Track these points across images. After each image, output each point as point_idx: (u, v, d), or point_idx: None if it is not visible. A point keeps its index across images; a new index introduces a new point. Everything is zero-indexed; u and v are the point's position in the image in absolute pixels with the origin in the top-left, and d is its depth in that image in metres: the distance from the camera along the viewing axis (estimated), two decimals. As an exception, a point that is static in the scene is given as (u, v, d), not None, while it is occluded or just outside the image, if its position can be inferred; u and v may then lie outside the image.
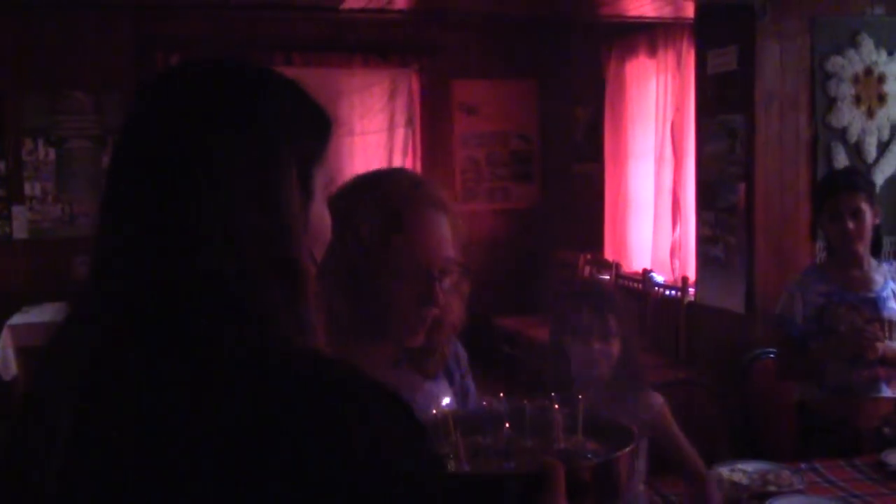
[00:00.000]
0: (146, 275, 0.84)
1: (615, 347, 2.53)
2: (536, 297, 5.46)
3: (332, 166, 0.99)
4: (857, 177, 3.21)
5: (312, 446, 0.77)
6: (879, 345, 3.00)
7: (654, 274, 5.60)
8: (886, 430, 3.07)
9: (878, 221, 3.18)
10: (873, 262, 3.21)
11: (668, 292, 5.37)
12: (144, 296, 0.84)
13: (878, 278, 3.18)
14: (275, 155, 0.89)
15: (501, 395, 1.59)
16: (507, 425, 1.44)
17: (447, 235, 1.66)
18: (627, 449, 1.39)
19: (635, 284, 5.69)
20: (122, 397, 0.81)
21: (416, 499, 0.81)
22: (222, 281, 0.83)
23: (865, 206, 3.10)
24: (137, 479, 0.78)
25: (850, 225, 3.09)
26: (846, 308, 3.13)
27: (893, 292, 3.15)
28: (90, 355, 0.85)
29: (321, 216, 0.97)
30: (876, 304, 3.12)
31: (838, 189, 3.15)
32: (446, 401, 1.54)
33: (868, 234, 3.12)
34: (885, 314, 3.11)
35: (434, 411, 1.50)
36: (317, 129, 0.97)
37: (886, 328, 3.11)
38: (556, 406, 1.48)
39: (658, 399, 2.59)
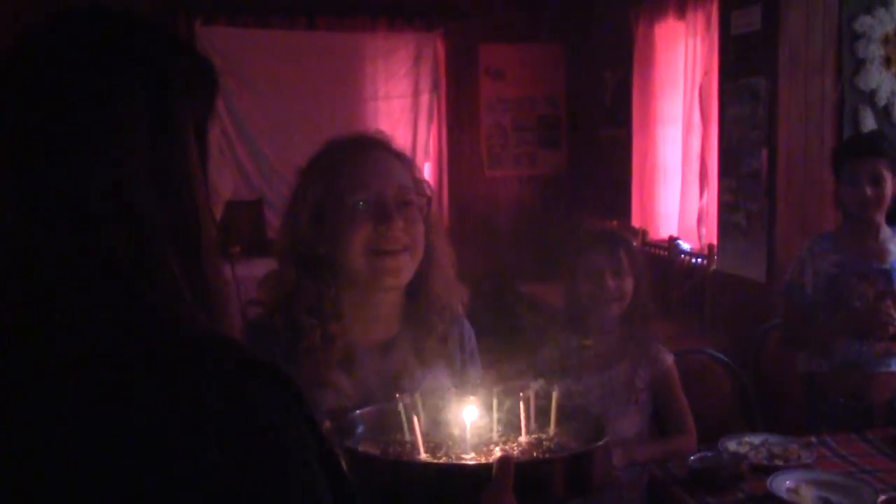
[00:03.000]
0: (30, 250, 0.78)
1: (628, 284, 2.57)
2: (562, 264, 5.39)
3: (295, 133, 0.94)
4: (881, 140, 3.09)
5: (166, 422, 0.74)
6: (892, 328, 2.91)
7: (680, 241, 5.50)
8: (900, 403, 2.99)
9: (897, 189, 3.06)
10: (889, 231, 3.09)
11: (694, 260, 5.28)
12: (28, 272, 0.78)
13: (893, 249, 3.06)
14: (174, 112, 0.83)
15: (477, 383, 1.56)
16: (477, 416, 1.39)
17: (398, 167, 1.62)
18: (598, 444, 1.32)
19: (662, 252, 5.60)
20: None
21: (269, 486, 0.76)
22: (116, 253, 0.78)
23: (887, 173, 2.98)
24: (6, 459, 0.75)
25: (869, 191, 2.98)
26: (858, 279, 3.03)
27: (908, 264, 3.05)
28: None
29: (217, 172, 0.91)
30: (889, 276, 3.02)
31: (859, 152, 3.03)
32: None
33: (887, 201, 3.01)
34: (898, 287, 3.01)
35: (397, 395, 1.45)
36: (209, 83, 0.90)
37: None
38: (532, 396, 1.43)
39: (669, 358, 2.61)
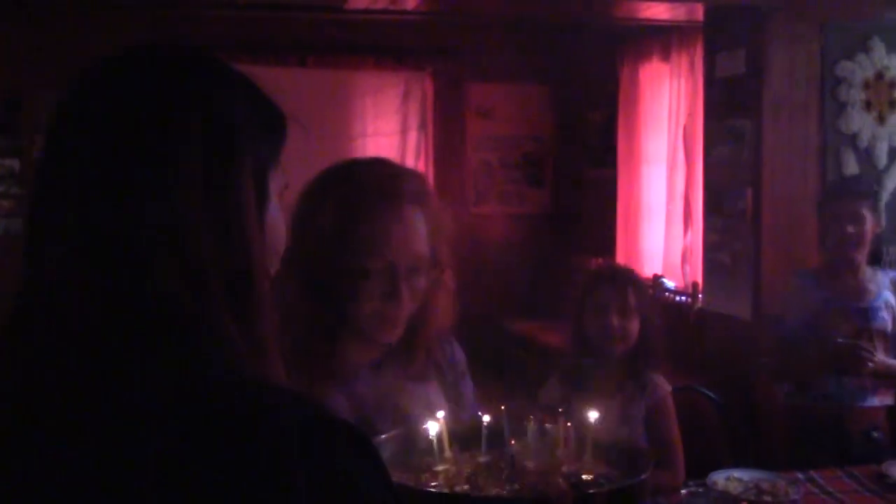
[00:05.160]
0: (85, 298, 0.75)
1: (634, 325, 2.52)
2: (548, 301, 5.41)
3: (287, 169, 0.91)
4: (860, 183, 3.21)
5: (249, 484, 0.70)
6: (870, 363, 2.98)
7: (664, 279, 5.54)
8: (876, 434, 3.04)
9: (879, 230, 3.15)
10: (869, 271, 3.18)
11: (678, 298, 5.32)
12: (83, 321, 0.75)
13: (872, 288, 3.15)
14: (231, 158, 0.80)
15: (503, 407, 1.53)
16: (511, 444, 1.36)
17: (420, 231, 1.59)
18: (644, 475, 1.30)
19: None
20: (52, 431, 0.73)
21: None
22: (173, 303, 0.75)
23: (866, 213, 3.08)
24: None
25: (850, 229, 3.06)
26: (838, 317, 3.11)
27: (886, 303, 3.12)
28: (20, 388, 0.76)
29: (276, 224, 0.88)
30: (867, 315, 3.10)
31: (840, 194, 3.15)
32: (441, 414, 1.47)
33: (867, 241, 3.09)
34: (876, 325, 3.09)
35: (426, 425, 1.44)
36: (273, 129, 0.88)
37: (875, 339, 3.08)
38: (564, 423, 1.40)
39: (666, 386, 2.58)
